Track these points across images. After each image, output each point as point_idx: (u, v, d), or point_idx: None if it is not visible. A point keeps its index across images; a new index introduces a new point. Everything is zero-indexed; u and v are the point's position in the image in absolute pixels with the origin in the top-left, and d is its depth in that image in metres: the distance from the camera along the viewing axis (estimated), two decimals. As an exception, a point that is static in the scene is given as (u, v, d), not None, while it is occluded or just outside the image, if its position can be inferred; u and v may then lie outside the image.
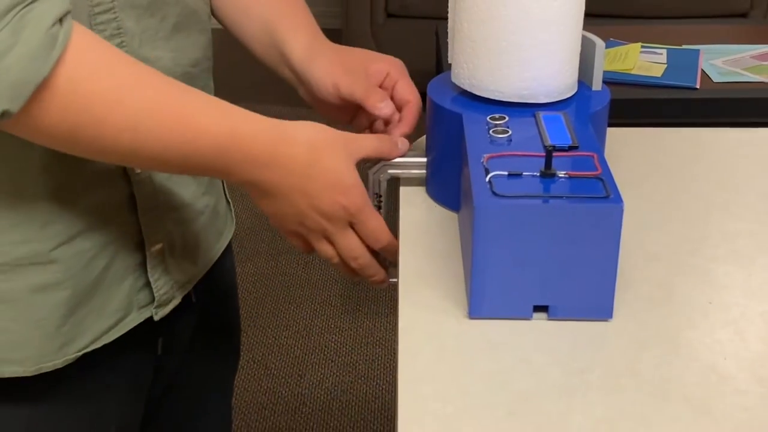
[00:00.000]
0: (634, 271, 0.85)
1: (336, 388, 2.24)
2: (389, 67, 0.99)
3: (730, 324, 0.79)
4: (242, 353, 1.22)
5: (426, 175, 0.97)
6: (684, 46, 2.55)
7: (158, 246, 0.93)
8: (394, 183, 0.99)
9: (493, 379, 0.73)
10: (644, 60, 2.47)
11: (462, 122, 0.89)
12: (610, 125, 0.99)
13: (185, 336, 1.06)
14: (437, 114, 0.93)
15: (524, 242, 0.76)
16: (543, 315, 0.79)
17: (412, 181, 0.98)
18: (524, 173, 0.79)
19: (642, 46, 2.54)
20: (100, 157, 0.80)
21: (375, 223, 0.88)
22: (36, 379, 0.88)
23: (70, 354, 0.89)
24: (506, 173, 0.79)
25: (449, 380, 0.73)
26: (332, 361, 2.33)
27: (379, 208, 0.97)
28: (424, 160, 0.96)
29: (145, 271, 0.94)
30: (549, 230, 0.75)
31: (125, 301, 0.93)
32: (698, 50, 2.51)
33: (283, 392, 2.23)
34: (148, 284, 0.94)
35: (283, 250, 2.75)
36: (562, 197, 0.76)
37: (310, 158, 0.83)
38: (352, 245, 0.88)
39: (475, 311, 0.79)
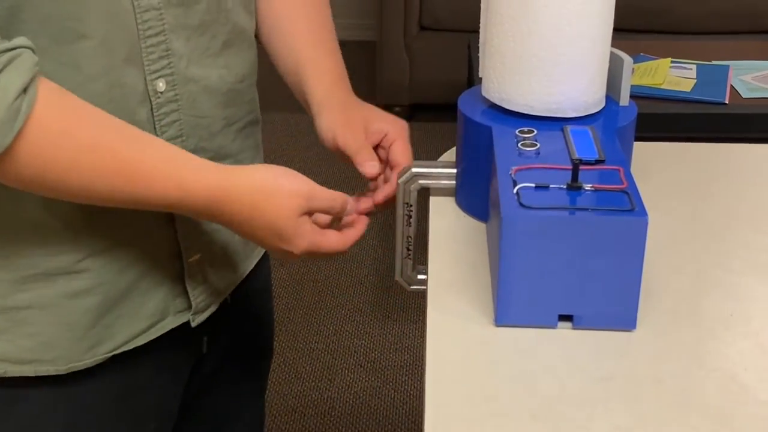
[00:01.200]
0: (658, 283, 0.86)
1: (365, 392, 2.26)
2: (389, 128, 1.01)
3: (752, 336, 0.79)
4: (273, 357, 1.24)
5: (455, 186, 0.98)
6: (713, 62, 2.55)
7: (196, 257, 0.95)
8: (425, 193, 1.00)
9: (518, 384, 0.74)
10: (674, 75, 2.47)
11: (491, 135, 0.90)
12: (639, 139, 1.00)
13: (224, 335, 1.08)
14: (467, 126, 0.94)
15: (550, 253, 0.77)
16: (568, 324, 0.80)
17: (441, 192, 1.00)
18: (551, 185, 0.80)
19: (672, 61, 2.54)
20: (64, 199, 0.83)
21: (328, 247, 0.90)
22: (73, 377, 0.91)
23: (100, 354, 0.92)
24: (533, 185, 0.80)
25: (475, 385, 0.74)
26: (361, 366, 2.34)
27: (409, 217, 0.99)
28: (454, 171, 0.98)
29: (183, 280, 0.95)
30: (574, 241, 0.76)
31: (160, 307, 0.95)
32: (728, 66, 2.51)
33: (313, 396, 2.24)
34: (185, 292, 0.96)
35: (315, 257, 2.77)
36: (587, 209, 0.77)
37: (252, 208, 0.86)
38: (318, 257, 0.92)
39: (501, 319, 0.80)
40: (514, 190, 0.80)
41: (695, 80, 2.44)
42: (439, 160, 1.05)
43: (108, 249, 0.89)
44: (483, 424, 0.70)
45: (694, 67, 2.52)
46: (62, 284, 0.88)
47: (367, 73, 3.81)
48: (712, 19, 3.27)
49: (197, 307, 0.97)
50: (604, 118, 0.94)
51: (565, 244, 0.77)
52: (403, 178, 0.98)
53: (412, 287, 1.01)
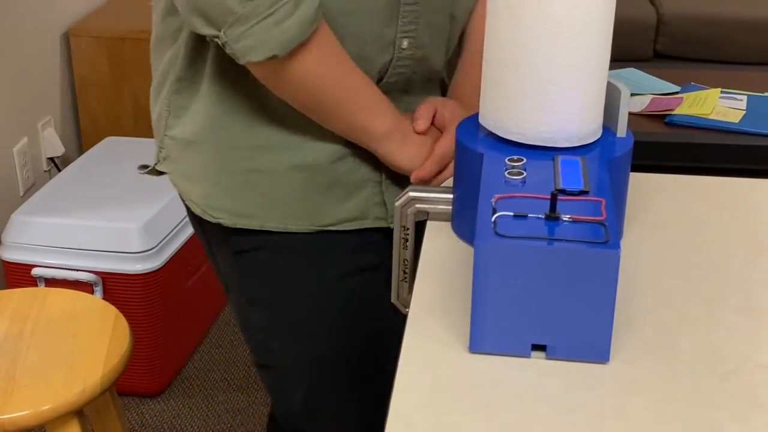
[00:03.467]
0: (642, 316, 0.84)
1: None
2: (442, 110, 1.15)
3: (728, 375, 0.77)
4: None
5: (452, 212, 0.98)
6: (765, 93, 2.49)
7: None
8: (424, 217, 1.00)
9: (482, 412, 0.73)
10: (722, 105, 2.42)
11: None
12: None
13: None
14: (462, 153, 0.94)
15: (523, 282, 0.76)
16: (542, 354, 0.79)
17: (439, 217, 0.99)
18: (530, 215, 0.79)
19: (722, 92, 2.49)
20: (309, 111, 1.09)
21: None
22: (288, 238, 1.14)
23: (305, 226, 1.13)
24: (512, 214, 0.80)
25: (440, 410, 0.73)
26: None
27: (405, 240, 0.99)
28: (451, 196, 0.97)
29: (381, 192, 1.14)
30: (547, 271, 0.76)
31: (361, 207, 1.14)
32: (778, 98, 2.45)
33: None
34: (383, 203, 1.14)
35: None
36: (561, 240, 0.76)
37: None
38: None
39: (475, 346, 0.79)
40: (492, 219, 0.79)
41: (744, 111, 2.38)
42: (442, 185, 1.05)
43: (325, 139, 1.10)
44: (440, 450, 0.69)
45: (744, 98, 2.46)
46: (288, 157, 1.11)
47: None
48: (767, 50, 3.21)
49: (391, 213, 1.13)
50: (600, 148, 0.93)
51: (538, 274, 0.76)
52: (400, 201, 0.98)
53: (407, 310, 1.01)
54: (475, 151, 0.92)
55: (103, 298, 2.16)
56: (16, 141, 2.56)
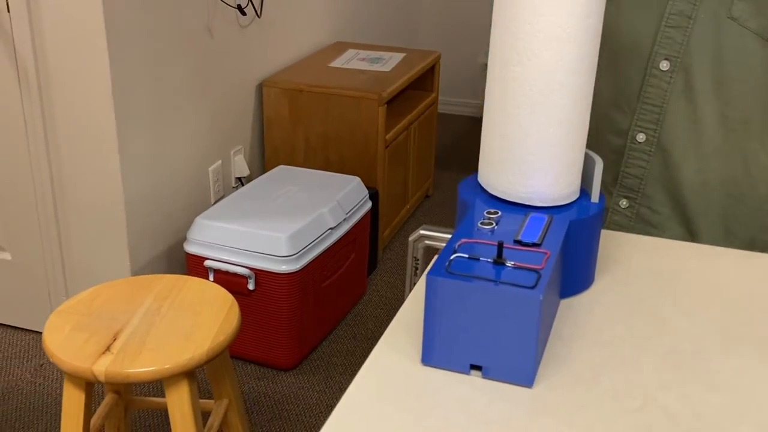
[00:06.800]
0: (577, 352, 0.81)
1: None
2: None
3: (631, 411, 0.73)
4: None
5: (453, 249, 0.97)
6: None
7: None
8: (433, 251, 1.00)
9: (411, 414, 0.73)
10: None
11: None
12: None
13: None
14: (460, 202, 0.94)
15: (463, 312, 0.75)
16: (480, 373, 0.78)
17: (445, 252, 0.99)
18: (481, 258, 0.78)
19: None
20: None
21: None
22: None
23: None
24: (467, 256, 0.79)
25: (377, 409, 0.73)
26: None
27: (416, 269, 0.99)
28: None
29: None
30: (483, 306, 0.75)
31: None
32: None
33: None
34: None
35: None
36: (496, 281, 0.75)
37: None
38: None
39: (426, 360, 0.79)
40: (450, 258, 0.79)
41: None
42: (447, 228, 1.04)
43: None
44: (365, 439, 0.70)
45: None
46: None
47: (476, 144, 3.85)
48: None
49: None
50: (573, 210, 0.90)
51: (476, 307, 0.75)
52: (413, 237, 0.98)
53: (413, 325, 1.01)
54: (466, 203, 0.91)
55: (255, 290, 2.25)
56: (211, 162, 2.72)
